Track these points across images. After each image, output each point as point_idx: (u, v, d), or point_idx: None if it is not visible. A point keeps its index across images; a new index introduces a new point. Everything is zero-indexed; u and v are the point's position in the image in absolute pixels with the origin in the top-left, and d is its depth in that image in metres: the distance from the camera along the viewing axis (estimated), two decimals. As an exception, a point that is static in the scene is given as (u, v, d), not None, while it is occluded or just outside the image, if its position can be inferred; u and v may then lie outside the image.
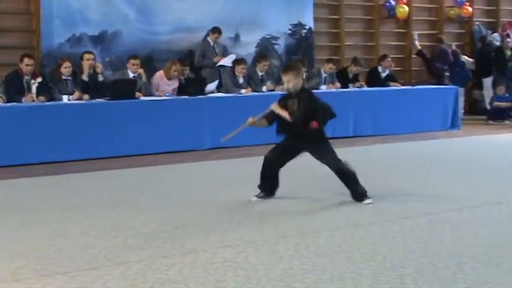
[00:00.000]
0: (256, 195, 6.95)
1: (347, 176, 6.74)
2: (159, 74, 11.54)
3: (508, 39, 15.95)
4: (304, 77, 6.80)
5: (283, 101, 6.85)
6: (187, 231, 5.71)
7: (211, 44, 12.57)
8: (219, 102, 11.21)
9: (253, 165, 9.42)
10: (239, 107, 11.20)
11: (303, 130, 6.69)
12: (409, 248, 5.15)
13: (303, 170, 8.89)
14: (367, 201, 6.70)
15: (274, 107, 6.84)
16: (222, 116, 10.95)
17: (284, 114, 6.75)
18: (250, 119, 6.89)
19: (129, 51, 11.75)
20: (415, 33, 15.71)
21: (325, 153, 6.81)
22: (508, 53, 15.51)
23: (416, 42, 15.60)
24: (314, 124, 6.68)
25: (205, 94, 11.40)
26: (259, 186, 6.99)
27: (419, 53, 15.57)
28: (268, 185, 6.99)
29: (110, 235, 5.61)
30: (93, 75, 11.03)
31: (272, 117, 6.94)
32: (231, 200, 7.00)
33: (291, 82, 6.73)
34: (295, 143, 6.87)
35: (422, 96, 13.30)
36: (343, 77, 13.19)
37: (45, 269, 4.72)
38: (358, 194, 6.73)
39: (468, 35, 16.83)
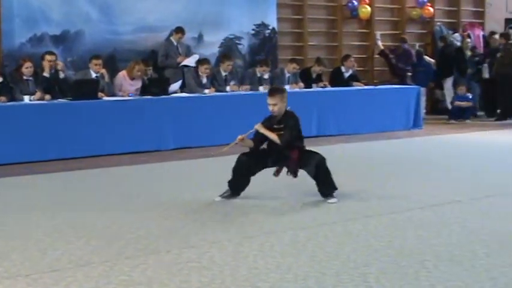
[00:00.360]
0: (220, 195, 6.94)
1: (325, 172, 6.78)
2: (122, 74, 11.46)
3: (468, 40, 16.13)
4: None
5: (268, 122, 6.90)
6: (151, 232, 5.68)
7: (175, 44, 12.53)
8: (182, 102, 11.18)
9: (217, 165, 9.44)
10: (203, 107, 11.22)
11: (287, 153, 6.79)
12: (373, 246, 5.19)
13: (267, 170, 8.91)
14: (331, 200, 6.74)
15: (258, 127, 6.89)
16: (185, 116, 10.94)
17: (272, 136, 6.79)
18: (240, 136, 6.84)
19: (91, 51, 11.63)
20: (378, 34, 15.83)
21: (306, 161, 6.85)
22: (468, 53, 15.69)
23: (379, 42, 15.71)
24: (295, 154, 6.80)
25: (168, 94, 11.35)
26: (229, 182, 6.95)
27: (382, 53, 15.68)
28: (238, 184, 6.96)
29: (72, 236, 5.56)
30: (55, 74, 10.94)
31: (259, 141, 6.94)
32: (195, 200, 6.98)
33: (276, 106, 6.79)
34: (274, 160, 6.92)
35: (384, 96, 13.40)
36: (306, 77, 13.23)
37: (7, 271, 4.67)
38: (328, 191, 6.78)
39: (430, 35, 16.99)
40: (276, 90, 7.00)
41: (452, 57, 15.74)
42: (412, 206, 6.57)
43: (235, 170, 6.93)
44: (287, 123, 6.82)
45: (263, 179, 8.05)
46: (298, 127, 6.90)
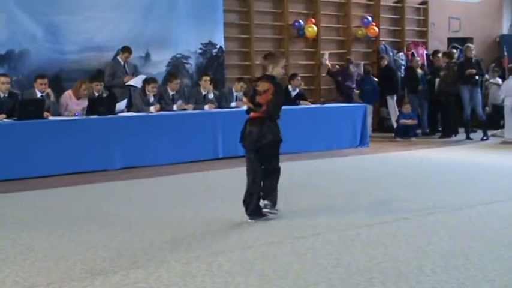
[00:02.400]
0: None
1: (274, 180, 6.89)
2: (68, 94, 11.35)
3: (418, 58, 16.41)
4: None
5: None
6: (98, 253, 5.60)
7: (122, 63, 12.47)
8: (129, 122, 11.10)
9: (164, 184, 9.40)
10: (149, 126, 11.16)
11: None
12: (321, 264, 5.20)
13: (213, 189, 8.90)
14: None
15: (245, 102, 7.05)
16: (132, 136, 10.87)
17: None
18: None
19: (36, 71, 11.51)
20: (326, 53, 15.98)
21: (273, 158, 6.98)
22: (419, 71, 15.93)
23: (327, 62, 15.86)
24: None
25: (115, 113, 11.26)
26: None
27: (329, 73, 15.84)
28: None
29: (18, 258, 5.45)
30: (11, 94, 10.73)
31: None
32: (143, 220, 6.92)
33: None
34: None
35: (331, 114, 13.51)
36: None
37: None
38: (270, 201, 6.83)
39: (375, 54, 17.25)
40: (268, 54, 7.18)
41: (395, 76, 15.99)
42: (360, 223, 6.62)
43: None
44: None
45: (209, 200, 8.04)
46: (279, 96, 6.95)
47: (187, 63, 13.88)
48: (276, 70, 7.01)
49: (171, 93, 12.19)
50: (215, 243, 5.96)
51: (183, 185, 9.29)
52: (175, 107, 11.99)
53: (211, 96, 12.55)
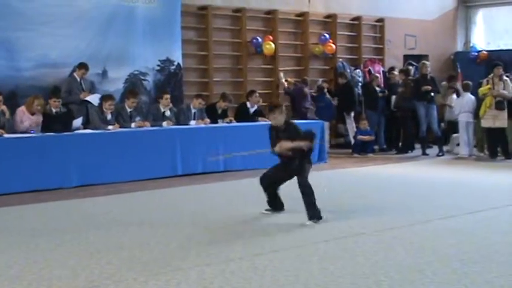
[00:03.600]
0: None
1: (309, 195, 7.62)
2: (22, 109, 11.16)
3: (377, 75, 16.57)
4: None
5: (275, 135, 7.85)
6: (53, 272, 5.53)
7: (78, 79, 12.35)
8: (86, 139, 10.99)
9: (122, 202, 9.32)
10: (107, 143, 11.07)
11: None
12: (279, 281, 5.21)
13: (172, 207, 8.87)
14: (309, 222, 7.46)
15: (280, 148, 7.76)
16: (89, 153, 10.76)
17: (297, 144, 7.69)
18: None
19: (-9, 88, 11.34)
20: (281, 74, 16.02)
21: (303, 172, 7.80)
22: (377, 88, 16.07)
23: (283, 80, 15.92)
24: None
25: (71, 130, 11.14)
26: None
27: (286, 92, 15.91)
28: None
29: (-30, 279, 5.36)
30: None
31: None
32: (99, 239, 6.85)
33: (276, 119, 7.88)
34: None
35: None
36: (212, 113, 13.26)
37: None
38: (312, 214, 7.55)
39: (332, 71, 17.39)
40: (274, 107, 8.05)
41: (352, 93, 16.11)
42: (317, 239, 6.65)
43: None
44: (290, 129, 7.81)
45: (167, 216, 8.00)
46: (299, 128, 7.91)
47: (145, 80, 13.80)
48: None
49: (128, 110, 12.11)
50: (174, 260, 5.92)
51: (141, 203, 9.22)
52: (133, 125, 11.90)
53: (168, 113, 12.50)
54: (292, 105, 15.79)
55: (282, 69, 16.16)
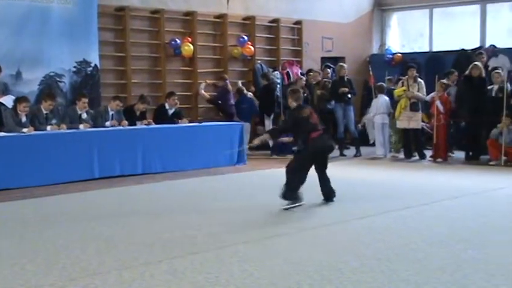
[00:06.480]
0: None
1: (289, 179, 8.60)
2: None
3: (302, 77, 16.70)
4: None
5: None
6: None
7: (-10, 81, 12.03)
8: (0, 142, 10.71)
9: (37, 206, 9.11)
10: (22, 147, 10.81)
11: None
12: (199, 283, 5.19)
13: (90, 210, 8.74)
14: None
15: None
16: (4, 156, 10.50)
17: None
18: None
19: None
20: (202, 84, 15.94)
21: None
22: (301, 90, 16.18)
23: (202, 92, 15.87)
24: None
25: (-17, 134, 10.84)
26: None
27: (209, 101, 15.90)
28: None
29: None
30: None
31: None
32: (13, 244, 6.68)
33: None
34: None
35: (208, 132, 13.54)
36: (130, 115, 13.11)
37: None
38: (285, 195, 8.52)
39: (251, 72, 17.45)
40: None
41: (275, 95, 16.22)
42: (238, 240, 6.65)
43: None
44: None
45: (86, 218, 7.88)
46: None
47: (61, 82, 13.52)
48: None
49: (44, 112, 11.85)
50: (91, 265, 5.82)
51: (57, 207, 9.05)
52: (48, 128, 11.65)
53: (85, 116, 12.29)
54: (219, 109, 15.80)
55: (201, 81, 16.07)
